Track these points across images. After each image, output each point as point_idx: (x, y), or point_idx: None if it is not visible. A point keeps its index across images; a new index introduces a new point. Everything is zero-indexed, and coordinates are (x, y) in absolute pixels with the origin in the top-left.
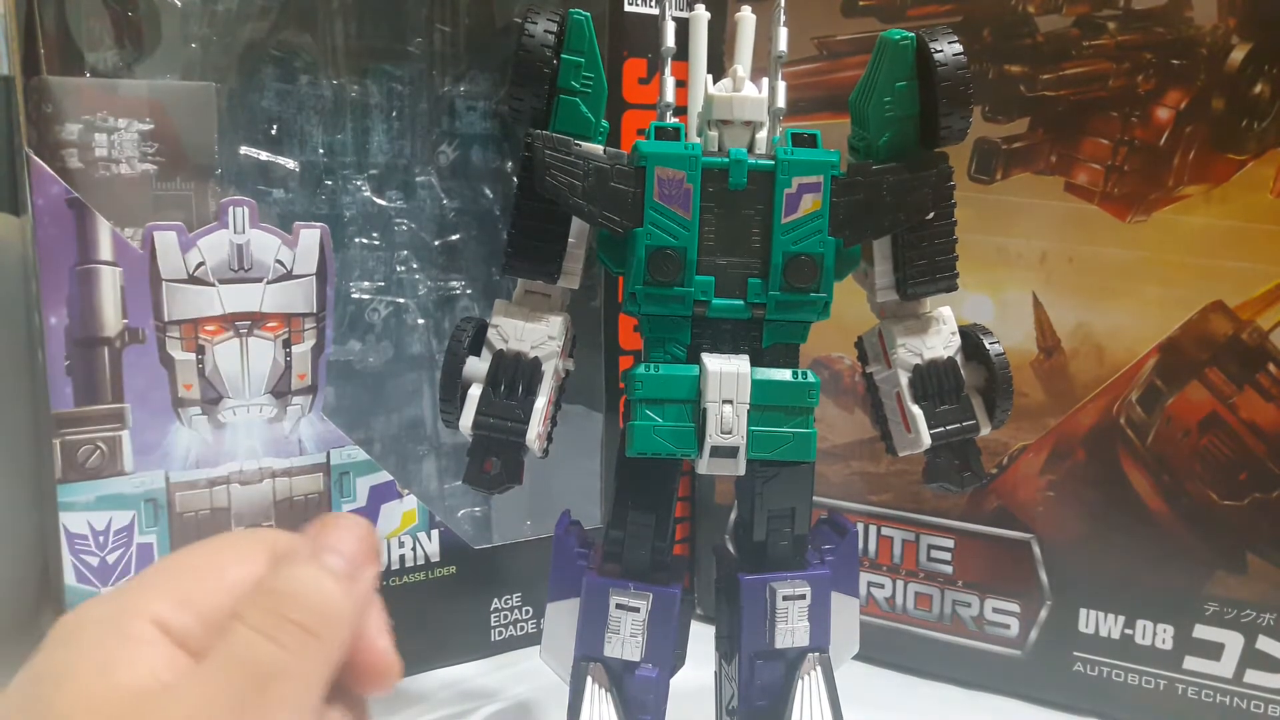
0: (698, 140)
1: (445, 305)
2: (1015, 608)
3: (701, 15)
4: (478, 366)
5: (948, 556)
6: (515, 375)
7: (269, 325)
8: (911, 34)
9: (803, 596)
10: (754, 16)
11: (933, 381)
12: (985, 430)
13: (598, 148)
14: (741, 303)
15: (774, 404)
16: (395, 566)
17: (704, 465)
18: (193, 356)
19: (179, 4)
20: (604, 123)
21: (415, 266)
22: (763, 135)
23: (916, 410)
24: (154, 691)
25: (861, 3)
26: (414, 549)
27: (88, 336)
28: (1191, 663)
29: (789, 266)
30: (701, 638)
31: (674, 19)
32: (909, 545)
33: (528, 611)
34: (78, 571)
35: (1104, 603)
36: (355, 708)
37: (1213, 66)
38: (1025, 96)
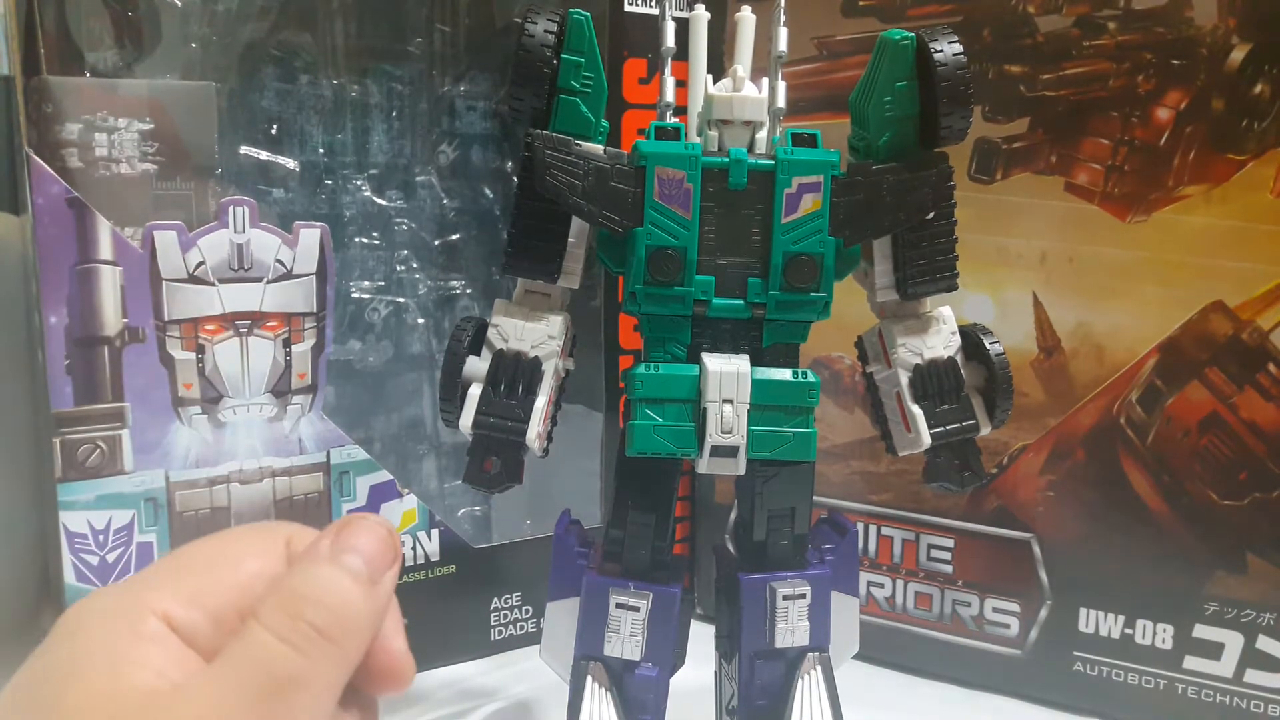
0: (698, 140)
1: (445, 305)
2: (1015, 607)
3: (701, 15)
4: (478, 366)
5: (948, 556)
6: (515, 375)
7: (269, 325)
8: (911, 34)
9: (803, 596)
10: (754, 16)
11: (933, 381)
12: (985, 430)
13: (598, 147)
14: (741, 302)
15: (774, 404)
16: None
17: (704, 465)
18: (193, 356)
19: (179, 4)
20: (604, 123)
21: (415, 266)
22: (763, 135)
23: (916, 410)
24: (163, 692)
25: (861, 3)
26: (414, 548)
27: (88, 336)
28: (1191, 662)
29: (789, 266)
30: (701, 637)
31: (674, 19)
32: (909, 545)
33: (528, 611)
34: (78, 571)
35: (1104, 602)
36: (366, 709)
37: (1213, 66)
38: (1025, 96)
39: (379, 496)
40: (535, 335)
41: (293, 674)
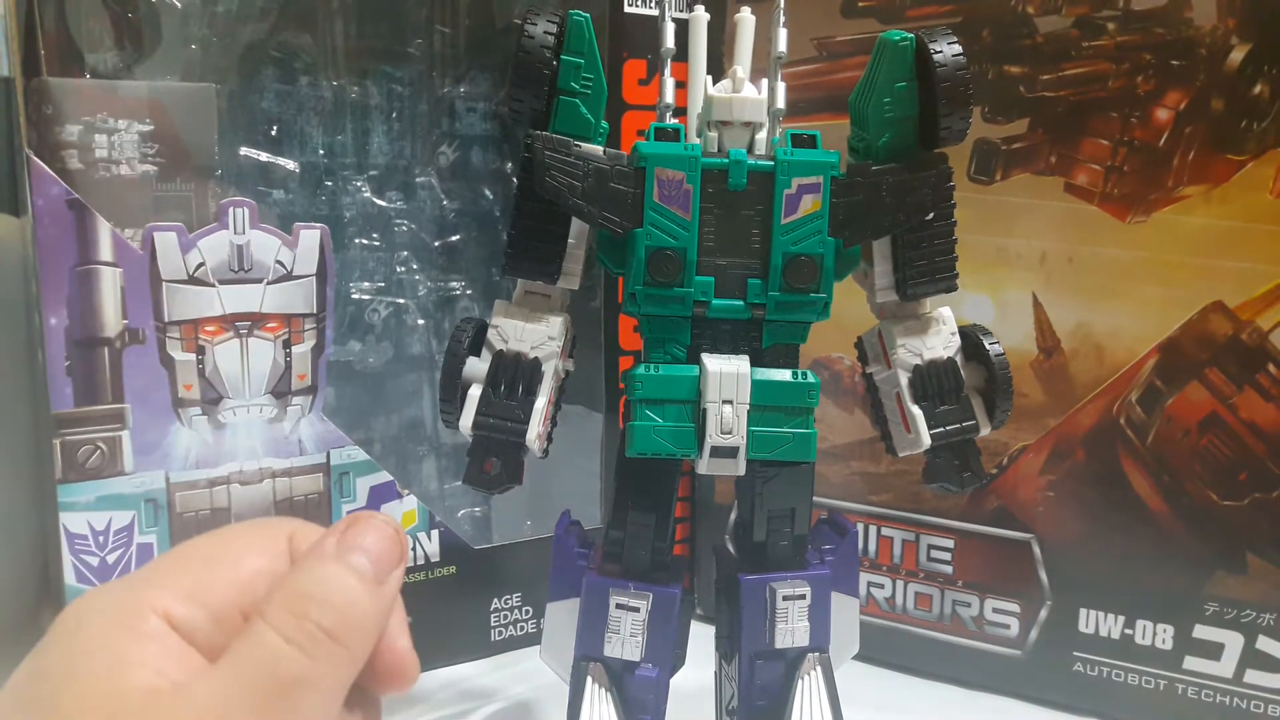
0: (697, 141)
1: (445, 306)
2: (1015, 608)
3: (701, 16)
4: (478, 367)
5: (948, 556)
6: (515, 375)
7: (269, 326)
8: (911, 35)
9: (803, 596)
10: (753, 17)
11: (932, 382)
12: (985, 431)
13: (597, 149)
14: (741, 303)
15: (774, 404)
16: None
17: (704, 465)
18: (193, 357)
19: (179, 5)
20: (604, 124)
21: (415, 267)
22: (762, 136)
23: (916, 410)
24: (164, 692)
25: (861, 3)
26: (414, 549)
27: (88, 337)
28: (1191, 663)
29: (789, 267)
30: (701, 638)
31: (674, 20)
32: (909, 545)
33: (528, 611)
34: (78, 571)
35: (1104, 603)
36: (370, 708)
37: (1212, 67)
38: (1025, 97)
39: (379, 497)
40: (535, 336)
41: (298, 675)
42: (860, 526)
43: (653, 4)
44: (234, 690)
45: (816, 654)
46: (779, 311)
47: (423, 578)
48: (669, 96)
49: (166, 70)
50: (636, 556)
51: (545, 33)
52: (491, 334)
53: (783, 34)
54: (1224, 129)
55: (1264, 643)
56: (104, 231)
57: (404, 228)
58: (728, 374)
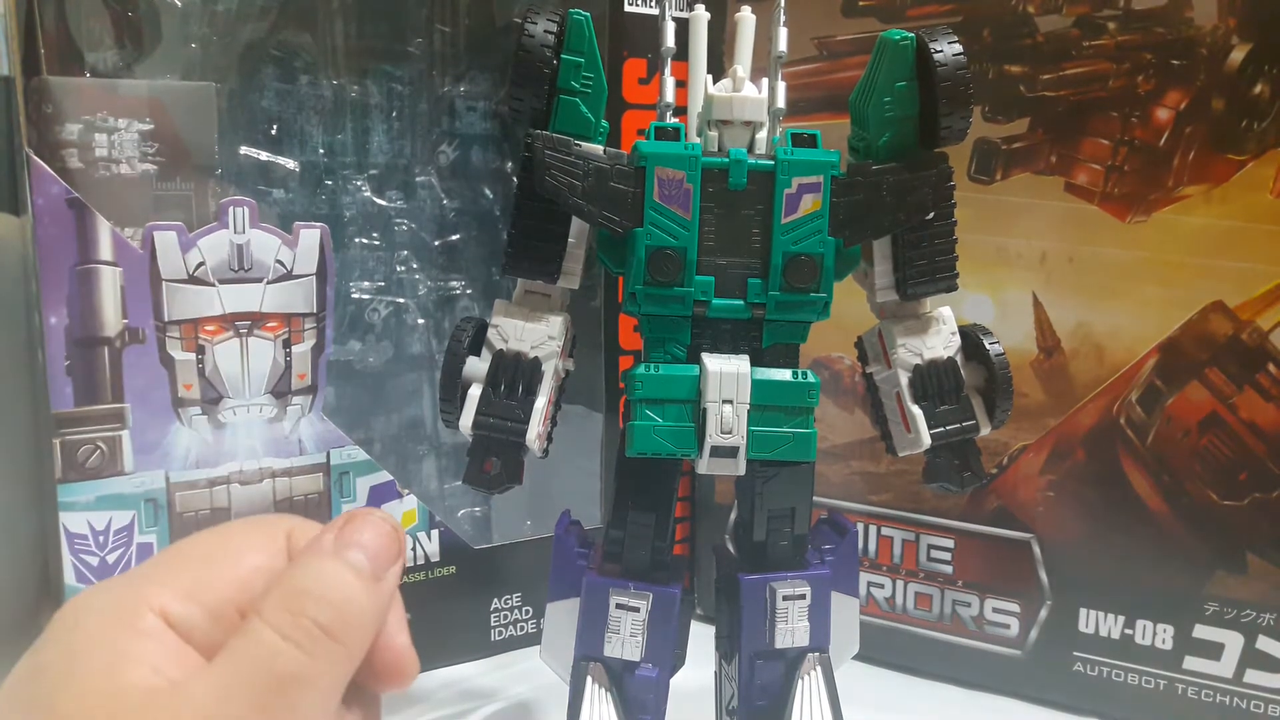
0: (697, 140)
1: (445, 305)
2: (1015, 608)
3: (701, 15)
4: (478, 366)
5: (948, 556)
6: (515, 375)
7: (269, 325)
8: (911, 34)
9: (803, 596)
10: (754, 17)
11: (933, 381)
12: (985, 430)
13: (598, 148)
14: (741, 303)
15: (774, 404)
16: None
17: (704, 465)
18: (193, 356)
19: (179, 4)
20: (604, 123)
21: (415, 267)
22: (763, 135)
23: (916, 410)
24: (162, 690)
25: (861, 3)
26: (414, 549)
27: (88, 336)
28: (1191, 663)
29: (789, 266)
30: (701, 638)
31: (674, 19)
32: (909, 545)
33: (528, 611)
34: (78, 571)
35: (1104, 603)
36: (369, 706)
37: (1212, 67)
38: (1025, 96)
39: (379, 497)
40: (535, 336)
41: (296, 672)
42: (860, 526)
43: (653, 3)
44: (231, 688)
45: (816, 654)
46: (779, 311)
47: (423, 578)
48: (669, 96)
49: (166, 69)
50: (636, 556)
51: (545, 32)
52: (491, 333)
53: (783, 33)
54: (1224, 129)
55: (1264, 643)
56: (104, 231)
57: (404, 227)
58: (728, 374)
